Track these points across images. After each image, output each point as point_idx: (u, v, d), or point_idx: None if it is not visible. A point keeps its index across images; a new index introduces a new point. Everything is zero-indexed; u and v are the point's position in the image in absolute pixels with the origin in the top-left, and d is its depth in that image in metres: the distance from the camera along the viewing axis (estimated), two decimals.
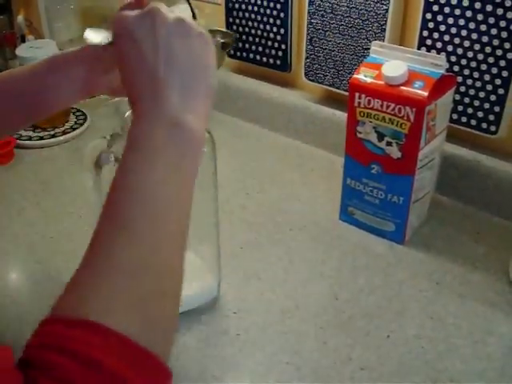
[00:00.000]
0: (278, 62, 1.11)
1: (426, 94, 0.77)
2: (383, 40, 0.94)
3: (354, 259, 0.85)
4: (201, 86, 0.52)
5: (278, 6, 1.05)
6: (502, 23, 0.83)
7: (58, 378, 0.36)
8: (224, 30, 0.64)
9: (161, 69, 0.50)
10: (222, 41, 0.63)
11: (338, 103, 1.07)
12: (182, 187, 0.48)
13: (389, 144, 0.82)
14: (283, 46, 1.08)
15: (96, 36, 0.56)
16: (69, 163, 1.08)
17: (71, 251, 0.85)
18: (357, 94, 0.82)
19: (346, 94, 1.01)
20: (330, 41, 1.00)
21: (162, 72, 0.50)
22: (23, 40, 1.29)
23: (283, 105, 1.13)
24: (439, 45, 0.90)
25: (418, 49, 0.92)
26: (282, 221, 0.93)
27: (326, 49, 1.01)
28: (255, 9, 1.09)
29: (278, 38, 1.08)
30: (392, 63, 0.80)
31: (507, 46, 0.84)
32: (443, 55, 0.88)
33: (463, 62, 0.89)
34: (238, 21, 1.13)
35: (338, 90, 1.04)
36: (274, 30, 1.08)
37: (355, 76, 0.82)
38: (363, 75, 0.82)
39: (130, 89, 0.52)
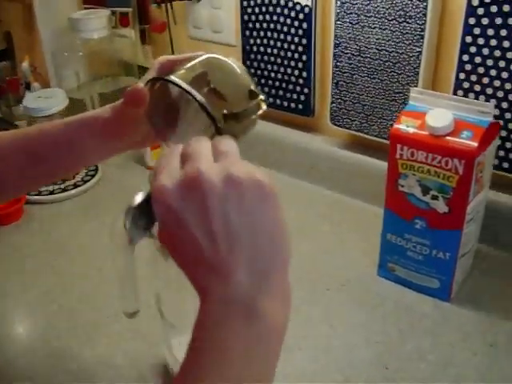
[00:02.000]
0: (300, 106, 1.06)
1: (475, 144, 0.72)
2: (416, 84, 0.89)
3: (399, 320, 0.79)
4: (274, 261, 0.44)
5: (300, 49, 1.01)
6: None
7: None
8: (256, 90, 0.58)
9: (221, 252, 0.42)
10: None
11: (364, 148, 1.02)
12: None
13: (434, 198, 0.76)
14: (306, 90, 1.03)
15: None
16: (83, 220, 1.02)
17: (93, 323, 0.79)
18: (398, 146, 0.77)
19: (375, 139, 0.98)
20: (358, 84, 0.95)
21: (224, 253, 0.42)
22: (28, 87, 1.24)
23: (306, 150, 1.07)
24: (477, 87, 0.85)
25: (455, 93, 0.87)
26: (318, 279, 0.87)
27: (353, 93, 0.96)
28: (275, 51, 1.04)
29: (300, 81, 1.03)
30: (436, 112, 0.75)
31: None
32: (492, 102, 0.83)
33: (504, 105, 0.84)
34: (255, 64, 1.08)
35: (366, 136, 0.98)
36: (296, 73, 1.03)
37: (396, 126, 0.77)
38: (405, 125, 0.76)
39: (191, 277, 0.44)
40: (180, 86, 0.55)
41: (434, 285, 0.82)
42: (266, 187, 0.43)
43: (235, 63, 0.61)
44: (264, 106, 0.59)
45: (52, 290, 0.86)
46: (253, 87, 0.59)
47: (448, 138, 0.73)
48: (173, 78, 0.56)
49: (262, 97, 0.59)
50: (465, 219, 0.76)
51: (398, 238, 0.82)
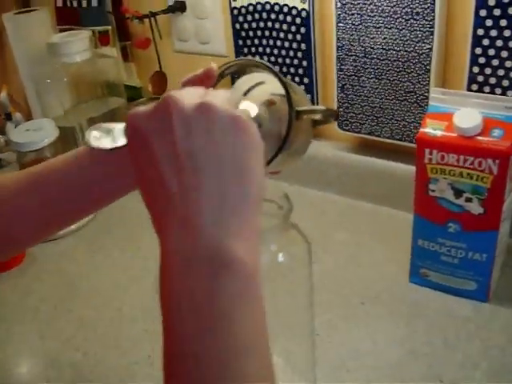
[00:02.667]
0: None
1: (508, 143, 0.69)
2: (428, 81, 0.86)
3: (442, 328, 0.76)
4: (243, 198, 0.39)
5: (300, 55, 0.97)
6: None
7: None
8: (320, 107, 0.53)
9: (184, 183, 0.38)
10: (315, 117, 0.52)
11: (375, 151, 0.99)
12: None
13: (468, 200, 0.74)
14: (308, 96, 1.00)
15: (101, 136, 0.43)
16: (89, 255, 0.97)
17: (124, 368, 0.74)
18: (427, 150, 0.74)
19: (386, 141, 0.95)
20: (366, 86, 0.92)
21: (187, 180, 0.38)
22: (9, 118, 1.17)
23: (313, 157, 1.04)
24: (493, 80, 0.83)
25: (469, 87, 0.85)
26: (350, 293, 0.84)
27: (361, 95, 0.93)
28: (272, 59, 1.00)
29: (302, 88, 0.99)
30: (463, 112, 0.72)
31: None
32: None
33: None
34: None
35: (378, 138, 0.96)
36: (297, 80, 0.99)
37: (422, 130, 0.74)
38: (431, 128, 0.74)
39: (151, 211, 0.40)
40: (271, 68, 0.51)
41: (471, 287, 0.80)
42: (240, 121, 0.40)
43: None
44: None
45: (74, 337, 0.80)
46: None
47: (479, 138, 0.71)
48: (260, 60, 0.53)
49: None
50: (500, 219, 0.74)
51: (430, 243, 0.79)
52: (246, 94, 0.53)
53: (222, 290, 0.36)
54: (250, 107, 0.48)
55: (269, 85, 0.52)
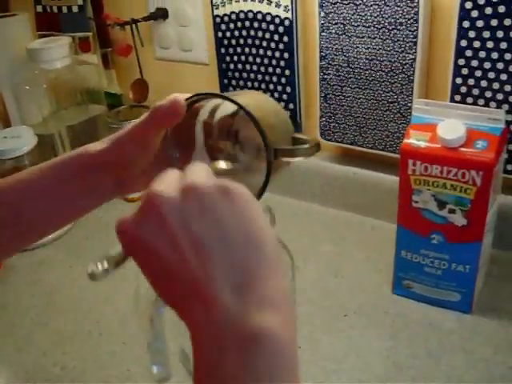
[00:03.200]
0: None
1: (492, 155, 0.69)
2: (411, 92, 0.86)
3: (426, 340, 0.76)
4: (257, 265, 0.37)
5: (282, 63, 0.96)
6: None
7: None
8: (302, 136, 0.50)
9: (193, 268, 0.37)
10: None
11: (357, 161, 0.99)
12: None
13: (452, 211, 0.73)
14: (291, 106, 0.99)
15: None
16: (66, 266, 0.95)
17: (104, 380, 0.73)
18: (410, 161, 0.73)
19: (369, 151, 0.95)
20: (349, 96, 0.92)
21: (197, 269, 0.36)
22: None
23: (295, 168, 1.03)
24: (476, 91, 0.83)
25: (452, 98, 0.84)
26: (332, 305, 0.83)
27: (343, 105, 0.93)
28: (254, 68, 0.99)
29: (285, 97, 0.99)
30: (447, 123, 0.72)
31: None
32: (503, 108, 0.80)
33: (505, 107, 0.82)
34: (234, 82, 1.03)
35: (360, 148, 0.95)
36: (279, 89, 0.99)
37: (406, 141, 0.74)
38: (415, 139, 0.73)
39: (177, 310, 0.39)
40: (240, 106, 0.48)
41: (454, 298, 0.79)
42: (229, 189, 0.39)
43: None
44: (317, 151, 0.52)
45: (51, 351, 0.79)
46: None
47: (463, 149, 0.71)
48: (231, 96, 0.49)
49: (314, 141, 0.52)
50: (484, 230, 0.74)
51: (413, 255, 0.79)
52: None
53: (249, 366, 0.34)
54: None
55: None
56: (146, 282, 0.50)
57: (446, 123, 0.72)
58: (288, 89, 0.98)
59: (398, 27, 0.83)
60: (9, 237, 0.57)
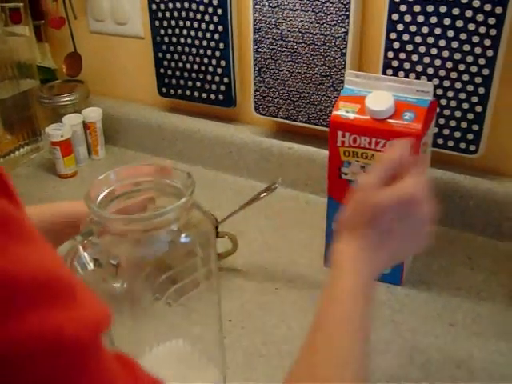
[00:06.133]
0: (221, 96, 1.00)
1: (419, 126, 0.70)
2: (343, 65, 0.86)
3: None
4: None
5: (216, 36, 0.95)
6: (475, 38, 0.78)
7: None
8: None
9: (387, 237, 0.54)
10: None
11: (292, 136, 0.98)
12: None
13: None
14: (226, 80, 0.98)
15: None
16: None
17: None
18: (340, 133, 0.73)
19: (305, 125, 0.94)
20: (282, 70, 0.91)
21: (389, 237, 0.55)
22: None
23: (231, 143, 1.02)
24: (407, 65, 0.83)
25: (384, 72, 0.85)
26: (264, 279, 0.82)
27: (277, 79, 0.92)
28: (189, 41, 0.98)
29: (219, 71, 0.98)
30: (376, 95, 0.72)
31: (482, 61, 0.79)
32: (431, 82, 0.81)
33: (435, 81, 0.82)
34: (168, 55, 1.01)
35: (294, 123, 0.95)
36: (214, 62, 0.97)
37: (335, 113, 0.73)
38: (344, 111, 0.73)
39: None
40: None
41: (385, 270, 0.80)
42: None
43: None
44: None
45: None
46: None
47: (391, 120, 0.71)
48: None
49: None
50: None
51: None
52: None
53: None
54: None
55: None
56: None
57: (374, 95, 0.72)
58: (223, 62, 0.97)
59: (331, 0, 0.83)
60: None
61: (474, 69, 0.79)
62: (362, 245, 0.55)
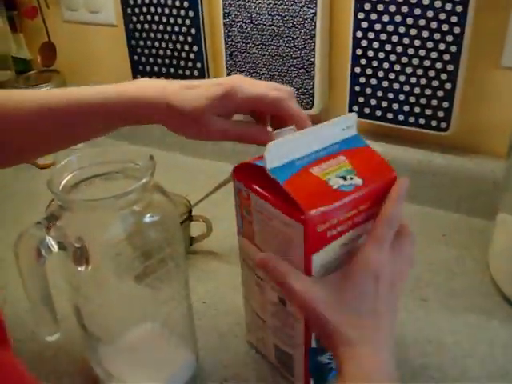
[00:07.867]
0: None
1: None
2: (313, 47, 0.86)
3: None
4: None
5: (188, 22, 0.95)
6: (442, 15, 0.78)
7: None
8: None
9: (383, 307, 0.52)
10: None
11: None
12: None
13: None
14: (198, 65, 0.98)
15: None
16: None
17: None
18: None
19: None
20: (254, 53, 0.91)
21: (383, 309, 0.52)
22: None
23: None
24: (376, 44, 0.84)
25: (353, 52, 0.85)
26: (237, 261, 0.83)
27: (249, 62, 0.92)
28: (161, 27, 0.98)
29: (192, 56, 0.98)
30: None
31: (449, 38, 0.79)
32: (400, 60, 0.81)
33: (404, 60, 0.83)
34: (141, 43, 1.01)
35: None
36: (186, 48, 0.97)
37: None
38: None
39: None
40: None
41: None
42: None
43: None
44: None
45: None
46: None
47: None
48: None
49: None
50: None
51: None
52: None
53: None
54: None
55: None
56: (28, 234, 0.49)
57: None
58: (195, 48, 0.97)
59: None
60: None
61: (441, 46, 0.80)
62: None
